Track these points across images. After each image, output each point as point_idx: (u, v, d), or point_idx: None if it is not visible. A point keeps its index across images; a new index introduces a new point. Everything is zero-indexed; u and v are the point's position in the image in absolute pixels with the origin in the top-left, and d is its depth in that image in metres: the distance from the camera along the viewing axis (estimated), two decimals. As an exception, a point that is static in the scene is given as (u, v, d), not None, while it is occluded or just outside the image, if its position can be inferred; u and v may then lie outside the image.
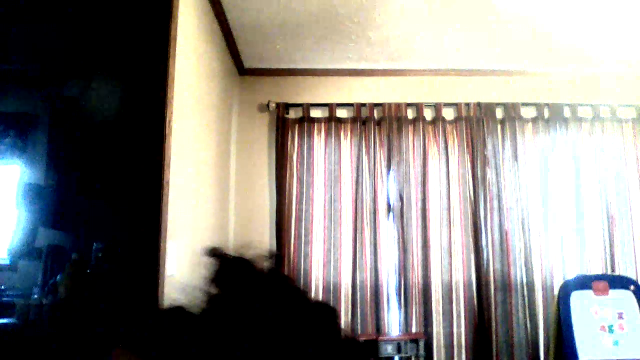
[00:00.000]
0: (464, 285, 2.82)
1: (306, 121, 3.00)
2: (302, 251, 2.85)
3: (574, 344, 2.39)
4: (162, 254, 1.56)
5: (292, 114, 3.04)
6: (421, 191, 2.92)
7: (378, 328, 2.78)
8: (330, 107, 3.03)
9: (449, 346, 2.76)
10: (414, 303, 2.80)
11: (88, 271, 1.81)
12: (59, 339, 1.49)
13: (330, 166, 2.95)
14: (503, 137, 3.00)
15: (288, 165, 2.92)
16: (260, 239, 2.96)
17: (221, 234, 2.66)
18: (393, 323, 2.81)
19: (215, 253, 0.53)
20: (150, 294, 1.51)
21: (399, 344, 2.61)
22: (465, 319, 2.80)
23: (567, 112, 3.05)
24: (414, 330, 2.78)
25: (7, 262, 2.27)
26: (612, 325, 2.54)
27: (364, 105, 3.02)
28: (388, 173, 2.95)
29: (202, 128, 2.22)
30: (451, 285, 2.82)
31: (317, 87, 3.12)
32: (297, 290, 0.53)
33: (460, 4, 2.36)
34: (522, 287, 2.82)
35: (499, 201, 2.90)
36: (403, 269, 2.83)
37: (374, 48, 2.84)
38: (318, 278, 2.84)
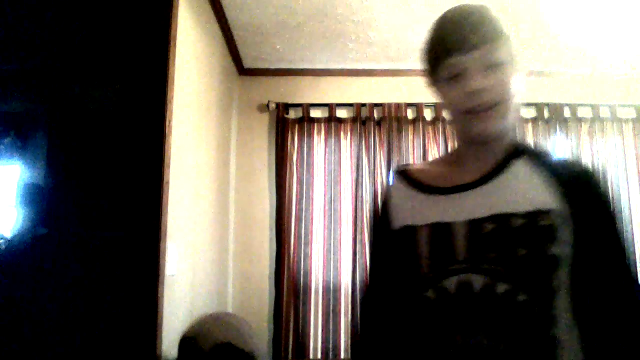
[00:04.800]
0: (464, 285, 2.82)
1: (306, 121, 3.00)
2: (302, 251, 2.85)
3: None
4: (162, 254, 1.56)
5: (292, 114, 3.04)
6: (421, 191, 2.92)
7: (378, 328, 2.77)
8: (330, 107, 3.03)
9: (449, 346, 2.76)
10: (414, 303, 2.80)
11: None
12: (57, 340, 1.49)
13: (330, 166, 2.95)
14: (503, 137, 3.00)
15: (288, 165, 2.92)
16: (260, 239, 2.96)
17: (221, 234, 2.65)
18: (393, 323, 2.81)
19: None
20: (150, 294, 1.51)
21: (399, 344, 2.61)
22: (465, 319, 2.79)
23: (567, 112, 3.05)
24: (414, 330, 2.77)
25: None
26: (612, 325, 2.53)
27: (364, 105, 3.02)
28: (388, 173, 2.95)
29: (202, 128, 2.22)
30: (451, 285, 2.82)
31: (317, 87, 3.11)
32: None
33: (461, 4, 2.36)
34: (522, 287, 2.81)
35: (499, 201, 2.90)
36: (403, 269, 2.83)
37: (374, 48, 2.84)
38: (318, 278, 2.84)
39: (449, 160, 1.03)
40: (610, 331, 0.85)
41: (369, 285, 1.08)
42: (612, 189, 2.95)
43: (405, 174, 1.02)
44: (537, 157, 0.93)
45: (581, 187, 0.88)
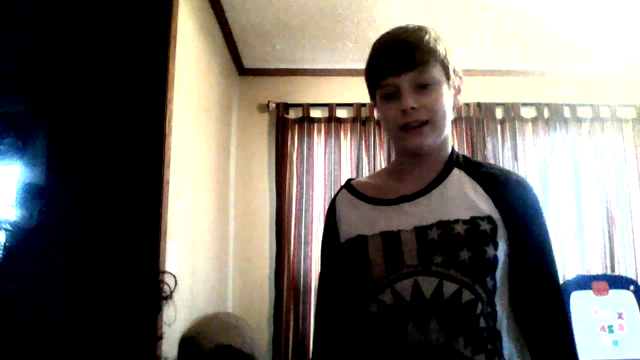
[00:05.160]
0: (464, 285, 2.82)
1: (306, 121, 3.00)
2: (302, 251, 2.85)
3: (574, 344, 2.39)
4: (162, 254, 1.56)
5: (292, 114, 3.04)
6: (421, 191, 2.92)
7: (378, 328, 2.77)
8: (330, 107, 3.03)
9: (449, 346, 2.76)
10: (414, 303, 2.80)
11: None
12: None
13: (330, 166, 2.95)
14: (503, 137, 3.00)
15: (288, 165, 2.92)
16: (260, 239, 2.96)
17: (221, 234, 2.65)
18: (393, 323, 2.81)
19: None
20: (150, 294, 1.51)
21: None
22: (465, 319, 2.79)
23: (567, 112, 3.05)
24: (414, 330, 2.77)
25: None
26: (612, 326, 2.54)
27: (364, 105, 3.02)
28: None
29: (202, 128, 2.22)
30: (451, 285, 2.82)
31: (317, 87, 3.11)
32: None
33: (460, 4, 2.36)
34: (522, 287, 2.81)
35: (499, 201, 2.90)
36: (403, 269, 2.83)
37: (374, 48, 2.83)
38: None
39: (390, 172, 1.10)
40: (537, 323, 0.95)
41: (321, 293, 1.11)
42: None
43: (351, 187, 1.08)
44: (472, 168, 1.01)
45: (511, 195, 0.97)
